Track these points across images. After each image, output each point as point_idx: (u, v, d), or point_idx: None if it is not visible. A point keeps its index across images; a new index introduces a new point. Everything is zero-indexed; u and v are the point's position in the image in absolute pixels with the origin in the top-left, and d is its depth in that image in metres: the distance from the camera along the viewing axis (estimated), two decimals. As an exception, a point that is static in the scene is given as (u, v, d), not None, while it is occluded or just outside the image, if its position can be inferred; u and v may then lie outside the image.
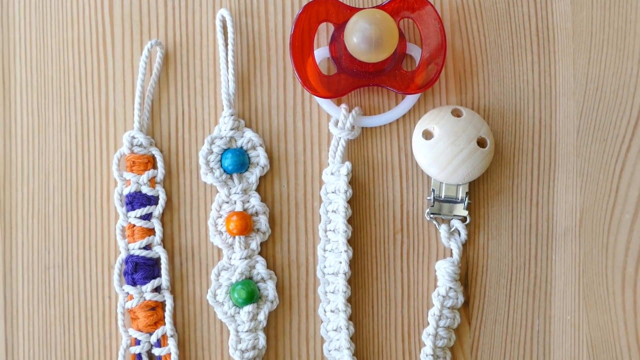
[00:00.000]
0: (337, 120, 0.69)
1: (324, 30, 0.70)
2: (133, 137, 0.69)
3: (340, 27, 0.68)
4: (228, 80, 0.69)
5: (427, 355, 0.68)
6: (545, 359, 0.69)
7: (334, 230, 0.69)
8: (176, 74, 0.70)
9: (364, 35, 0.65)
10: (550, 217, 0.70)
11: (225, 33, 0.70)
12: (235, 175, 0.69)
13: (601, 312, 0.69)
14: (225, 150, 0.69)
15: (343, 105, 0.69)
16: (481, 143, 0.68)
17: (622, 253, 0.69)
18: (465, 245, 0.70)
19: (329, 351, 0.68)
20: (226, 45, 0.69)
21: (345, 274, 0.68)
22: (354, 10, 0.67)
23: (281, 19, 0.70)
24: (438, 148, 0.67)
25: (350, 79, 0.68)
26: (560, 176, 0.70)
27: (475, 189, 0.70)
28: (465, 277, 0.70)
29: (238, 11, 0.70)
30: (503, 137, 0.70)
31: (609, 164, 0.70)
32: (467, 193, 0.69)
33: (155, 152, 0.69)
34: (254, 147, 0.69)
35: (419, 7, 0.68)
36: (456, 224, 0.69)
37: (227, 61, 0.69)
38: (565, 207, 0.70)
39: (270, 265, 0.69)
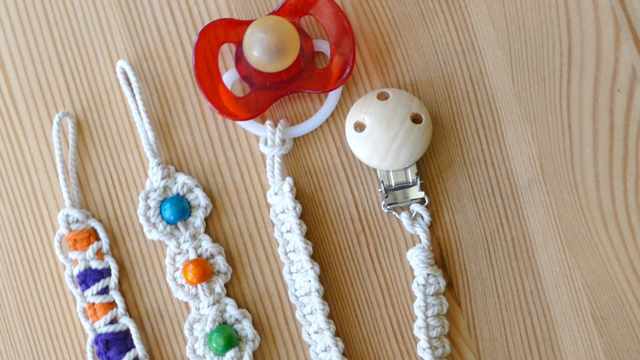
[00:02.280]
0: (266, 138, 0.66)
1: (228, 52, 0.67)
2: (67, 215, 0.66)
3: (240, 45, 0.65)
4: (146, 131, 0.66)
5: (424, 350, 0.65)
6: (547, 318, 0.66)
7: (294, 251, 0.66)
8: (93, 139, 0.67)
9: (263, 45, 0.62)
10: (510, 174, 0.67)
11: (129, 84, 0.67)
12: (179, 224, 0.66)
13: (590, 254, 0.66)
14: (162, 201, 0.66)
15: (267, 122, 0.66)
16: (416, 119, 0.65)
17: (593, 189, 0.66)
18: (431, 227, 0.66)
19: (325, 373, 0.65)
20: (134, 95, 0.67)
21: (317, 291, 0.65)
22: (249, 24, 0.64)
23: (182, 53, 0.67)
24: (373, 137, 0.64)
25: (266, 93, 0.65)
26: (507, 129, 0.67)
27: (425, 167, 0.67)
28: (442, 259, 0.66)
29: (137, 58, 0.67)
30: (438, 107, 0.67)
31: (554, 102, 0.66)
32: (417, 174, 0.65)
33: (94, 223, 0.66)
34: (190, 190, 0.66)
35: (314, 1, 0.65)
36: (416, 208, 0.66)
37: (139, 112, 0.66)
38: (522, 159, 0.66)
39: (242, 304, 0.66)
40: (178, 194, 0.66)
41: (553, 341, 0.66)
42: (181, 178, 0.66)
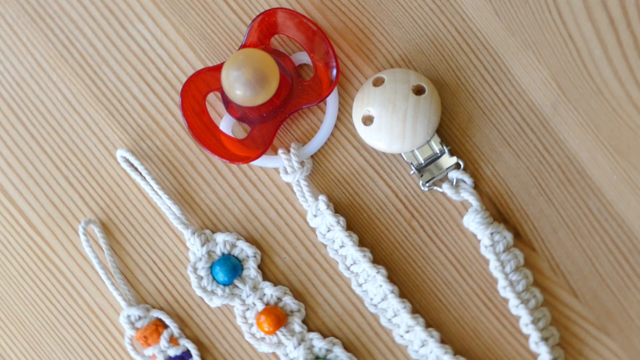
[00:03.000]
0: (284, 167, 0.65)
1: (216, 100, 0.66)
2: (128, 316, 0.65)
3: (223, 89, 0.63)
4: (169, 206, 0.65)
5: (517, 307, 0.63)
6: (624, 229, 0.64)
7: (354, 263, 0.64)
8: (124, 234, 0.66)
9: (241, 82, 0.60)
10: (531, 105, 0.64)
11: (135, 169, 0.66)
12: (236, 281, 0.65)
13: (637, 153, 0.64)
14: (211, 267, 0.65)
15: (280, 151, 0.65)
16: (419, 91, 0.63)
17: (618, 86, 0.64)
18: (477, 187, 0.64)
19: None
20: (144, 178, 0.65)
21: (392, 292, 0.63)
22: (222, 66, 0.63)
23: (173, 119, 0.66)
24: (384, 124, 0.62)
25: (268, 125, 0.64)
26: (512, 64, 0.64)
27: (447, 132, 0.65)
28: (499, 213, 0.64)
29: (133, 142, 0.66)
30: (437, 70, 0.65)
31: (546, 20, 0.64)
32: (441, 142, 0.64)
33: (156, 314, 0.65)
34: (233, 246, 0.65)
35: (274, 19, 0.63)
36: (454, 175, 0.64)
37: (155, 191, 0.65)
38: (538, 86, 0.64)
39: (326, 333, 0.65)
40: (223, 254, 0.65)
41: (639, 248, 0.63)
42: (220, 237, 0.65)
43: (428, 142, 0.63)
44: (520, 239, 0.64)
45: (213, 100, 0.66)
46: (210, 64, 0.66)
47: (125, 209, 0.66)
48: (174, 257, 0.66)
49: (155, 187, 0.65)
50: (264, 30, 0.64)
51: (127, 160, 0.66)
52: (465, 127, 0.65)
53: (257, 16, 0.63)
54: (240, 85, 0.60)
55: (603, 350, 0.64)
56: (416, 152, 0.63)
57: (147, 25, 0.67)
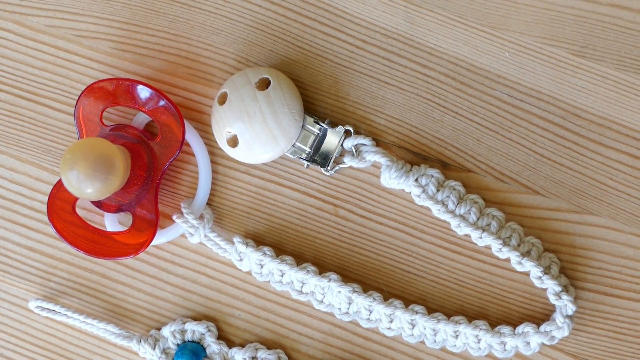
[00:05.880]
0: (186, 231, 0.59)
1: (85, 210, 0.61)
2: None
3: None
4: (105, 329, 0.60)
5: (480, 238, 0.56)
6: (542, 99, 0.58)
7: (304, 283, 0.58)
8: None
9: (83, 179, 0.54)
10: (385, 31, 0.58)
11: (57, 312, 0.61)
12: (205, 362, 0.59)
13: None
14: (174, 364, 0.59)
15: (174, 216, 0.59)
16: (265, 84, 0.57)
17: None
18: (380, 143, 0.58)
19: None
20: (69, 316, 0.60)
21: (354, 290, 0.57)
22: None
23: (63, 245, 0.61)
24: (251, 136, 0.57)
25: (145, 200, 0.58)
26: (341, 2, 0.58)
27: (320, 106, 0.59)
28: (415, 155, 0.57)
29: (41, 287, 0.61)
30: (277, 52, 0.59)
31: None
32: (315, 121, 0.57)
33: None
34: (183, 331, 0.60)
35: (89, 99, 0.58)
36: (349, 142, 0.58)
37: (85, 322, 0.60)
38: (380, 9, 0.57)
39: (319, 365, 0.59)
40: (179, 345, 0.60)
41: (568, 110, 0.56)
42: (166, 330, 0.60)
43: (303, 127, 0.57)
44: (449, 168, 0.57)
45: (90, 205, 0.60)
46: (56, 178, 0.61)
47: (70, 353, 0.61)
48: (140, 378, 0.61)
49: (82, 318, 0.60)
50: (91, 114, 0.58)
51: (43, 308, 0.61)
52: (334, 90, 0.58)
53: (75, 105, 0.58)
54: (84, 183, 0.54)
55: (594, 231, 0.57)
56: (298, 144, 0.57)
57: (-9, 171, 0.62)
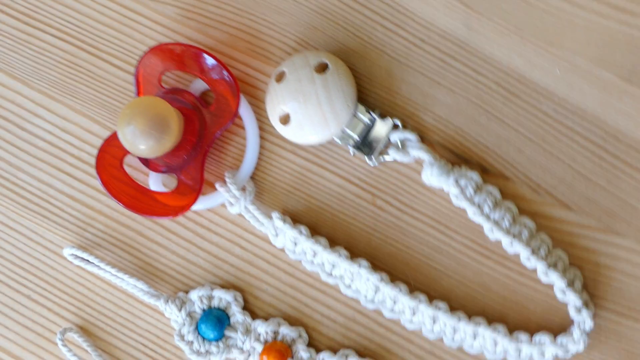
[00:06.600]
0: (227, 200, 0.60)
1: (133, 168, 0.62)
2: (139, 408, 0.62)
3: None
4: (134, 285, 0.62)
5: (510, 244, 0.57)
6: (586, 118, 0.59)
7: (334, 266, 0.60)
8: (102, 328, 0.63)
9: (138, 135, 0.56)
10: (443, 33, 0.60)
11: (90, 262, 0.62)
12: (227, 331, 0.61)
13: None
14: (196, 328, 0.61)
15: (217, 185, 0.61)
16: (323, 69, 0.58)
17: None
18: (424, 140, 0.59)
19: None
20: (101, 268, 0.62)
21: (381, 279, 0.59)
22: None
23: (105, 198, 0.63)
24: (303, 117, 0.58)
25: (193, 165, 0.60)
26: (406, 0, 0.59)
27: (371, 97, 0.60)
28: (457, 156, 0.59)
29: (76, 236, 0.63)
30: (337, 39, 0.61)
31: None
32: (367, 110, 0.59)
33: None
34: (210, 297, 0.61)
35: (152, 60, 0.60)
36: (396, 137, 0.60)
37: (116, 276, 0.62)
38: (441, 11, 0.59)
39: (336, 347, 0.61)
40: (204, 310, 0.61)
41: (610, 132, 0.58)
42: (194, 295, 0.61)
43: (354, 115, 0.59)
44: (489, 173, 0.59)
45: (137, 163, 0.62)
46: (109, 132, 0.62)
47: (96, 304, 0.63)
48: (160, 332, 0.62)
49: (114, 271, 0.62)
50: (150, 75, 0.60)
51: (77, 257, 0.63)
52: (387, 84, 0.60)
53: (137, 63, 0.60)
54: (139, 138, 0.57)
55: (619, 252, 0.58)
56: (347, 130, 0.59)
57: (44, 117, 0.63)
